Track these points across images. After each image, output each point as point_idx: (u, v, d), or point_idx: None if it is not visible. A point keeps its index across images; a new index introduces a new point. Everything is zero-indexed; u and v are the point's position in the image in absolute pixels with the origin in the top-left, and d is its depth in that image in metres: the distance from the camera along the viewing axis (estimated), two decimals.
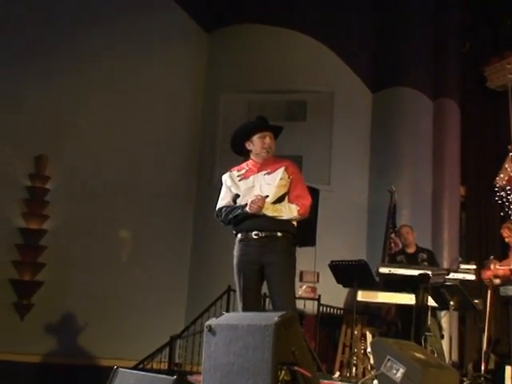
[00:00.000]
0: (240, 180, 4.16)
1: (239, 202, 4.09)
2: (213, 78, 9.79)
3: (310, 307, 7.68)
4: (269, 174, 4.10)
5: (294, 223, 4.08)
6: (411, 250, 7.21)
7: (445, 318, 7.28)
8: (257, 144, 4.15)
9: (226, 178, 4.24)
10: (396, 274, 6.50)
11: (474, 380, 5.89)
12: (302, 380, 2.74)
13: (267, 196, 3.98)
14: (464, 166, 9.62)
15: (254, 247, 3.98)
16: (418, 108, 9.39)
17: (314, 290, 7.65)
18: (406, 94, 9.36)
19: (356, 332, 7.10)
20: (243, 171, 4.20)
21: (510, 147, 8.92)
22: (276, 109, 9.30)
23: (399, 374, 3.29)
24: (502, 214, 8.90)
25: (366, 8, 9.74)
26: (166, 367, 7.43)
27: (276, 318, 2.78)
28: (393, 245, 8.33)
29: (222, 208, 4.14)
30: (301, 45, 9.28)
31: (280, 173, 4.08)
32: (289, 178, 4.10)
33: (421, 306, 6.21)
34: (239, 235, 4.07)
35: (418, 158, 9.23)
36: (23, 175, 7.95)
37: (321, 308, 7.70)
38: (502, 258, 6.99)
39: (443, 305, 5.99)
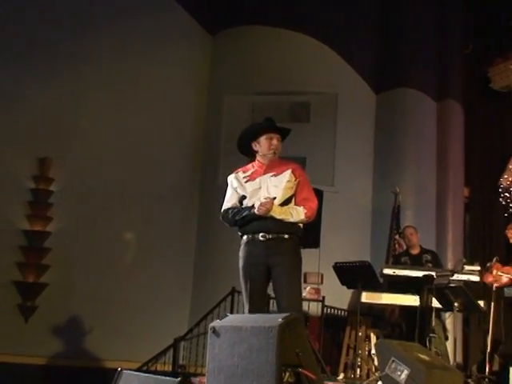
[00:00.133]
0: (246, 181, 4.15)
1: (246, 203, 4.08)
2: (216, 79, 9.79)
3: (314, 309, 7.64)
4: (275, 175, 4.10)
5: (301, 225, 4.09)
6: (415, 251, 7.20)
7: (449, 320, 7.29)
8: (263, 145, 4.15)
9: (231, 179, 4.23)
10: (400, 276, 6.51)
11: (479, 381, 5.88)
12: (306, 382, 2.73)
13: (275, 198, 3.98)
14: (468, 166, 9.57)
15: (260, 249, 3.97)
16: (421, 109, 9.36)
17: (318, 291, 7.62)
18: (409, 95, 9.33)
19: (360, 333, 7.10)
20: (249, 172, 4.20)
21: None
22: (280, 110, 9.27)
23: (403, 376, 3.29)
24: (506, 215, 8.87)
25: (369, 9, 9.71)
26: (170, 369, 7.42)
27: (280, 320, 2.78)
28: (397, 246, 8.35)
29: (228, 209, 4.13)
30: (304, 46, 9.27)
31: (287, 175, 4.08)
32: (296, 180, 4.10)
33: (425, 307, 6.21)
34: (245, 237, 4.06)
35: (421, 159, 9.20)
36: (27, 177, 7.97)
37: (325, 309, 7.67)
38: (506, 259, 6.96)
39: (447, 306, 5.98)
